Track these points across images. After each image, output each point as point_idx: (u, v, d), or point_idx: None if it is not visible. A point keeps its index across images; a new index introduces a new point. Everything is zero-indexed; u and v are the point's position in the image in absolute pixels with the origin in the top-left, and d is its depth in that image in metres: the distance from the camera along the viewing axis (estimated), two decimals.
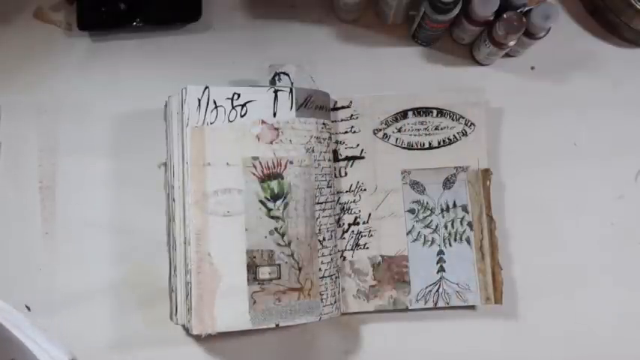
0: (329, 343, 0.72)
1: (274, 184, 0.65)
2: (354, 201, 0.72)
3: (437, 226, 0.71)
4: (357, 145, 0.73)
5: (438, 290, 0.70)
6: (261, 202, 0.64)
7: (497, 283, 0.71)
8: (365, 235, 0.71)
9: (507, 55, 0.76)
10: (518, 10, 0.68)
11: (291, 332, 0.71)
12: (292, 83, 0.72)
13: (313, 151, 0.66)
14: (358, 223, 0.72)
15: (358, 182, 0.72)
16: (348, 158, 0.72)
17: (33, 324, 0.58)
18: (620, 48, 0.78)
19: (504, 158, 0.75)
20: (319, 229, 0.66)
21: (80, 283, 0.71)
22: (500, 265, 0.71)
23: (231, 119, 0.65)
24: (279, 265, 0.64)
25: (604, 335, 0.72)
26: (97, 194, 0.73)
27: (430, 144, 0.73)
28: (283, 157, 0.65)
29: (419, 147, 0.73)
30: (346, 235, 0.71)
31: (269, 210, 0.64)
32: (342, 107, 0.73)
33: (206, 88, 0.64)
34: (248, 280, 0.63)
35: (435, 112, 0.73)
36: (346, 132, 0.73)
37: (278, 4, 0.78)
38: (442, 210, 0.72)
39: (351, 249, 0.71)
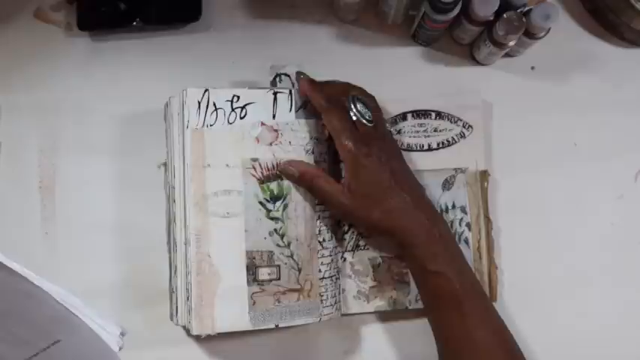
0: (329, 343, 0.72)
1: (274, 185, 0.65)
2: None
3: None
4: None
5: None
6: (260, 203, 0.64)
7: (493, 282, 0.71)
8: (365, 236, 0.71)
9: (507, 55, 0.76)
10: (518, 10, 0.68)
11: (291, 333, 0.72)
12: (293, 84, 0.72)
13: (313, 152, 0.66)
14: None
15: None
16: None
17: (84, 304, 0.60)
18: (620, 48, 0.78)
19: (504, 158, 0.75)
20: (319, 230, 0.66)
21: (80, 283, 0.71)
22: (496, 264, 0.71)
23: (230, 121, 0.64)
24: (278, 266, 0.64)
25: (603, 335, 0.73)
26: (97, 194, 0.73)
27: (429, 146, 0.72)
28: (283, 158, 0.65)
29: (418, 148, 0.73)
30: (346, 236, 0.71)
31: (269, 211, 0.64)
32: None
33: (206, 90, 0.64)
34: (248, 281, 0.63)
35: (433, 114, 0.73)
36: None
37: (278, 4, 0.77)
38: (441, 211, 0.71)
39: (351, 250, 0.71)
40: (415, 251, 0.61)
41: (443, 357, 0.62)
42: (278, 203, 0.65)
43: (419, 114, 0.73)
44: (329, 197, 0.63)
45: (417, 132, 0.73)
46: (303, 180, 0.64)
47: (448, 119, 0.73)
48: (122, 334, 0.68)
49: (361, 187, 0.62)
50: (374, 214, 0.61)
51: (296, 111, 0.66)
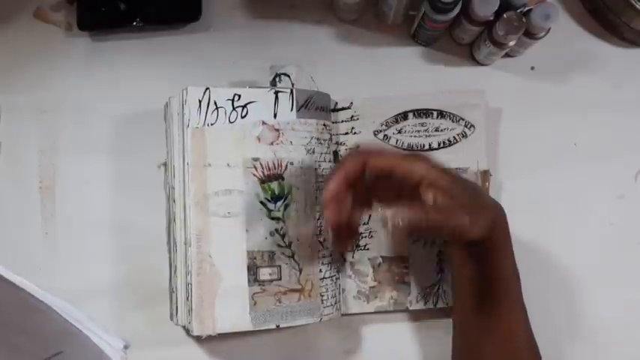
0: (329, 343, 0.72)
1: (275, 185, 0.65)
2: None
3: None
4: (358, 146, 0.73)
5: (437, 291, 0.71)
6: (261, 203, 0.64)
7: None
8: (365, 236, 0.71)
9: (507, 55, 0.76)
10: (518, 10, 0.68)
11: (292, 333, 0.72)
12: (293, 84, 0.72)
13: (314, 152, 0.66)
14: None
15: None
16: None
17: (88, 318, 0.60)
18: (620, 48, 0.78)
19: (504, 159, 0.75)
20: (320, 230, 0.66)
21: (80, 283, 0.71)
22: None
23: (231, 120, 0.64)
24: (279, 266, 0.64)
25: (603, 335, 0.72)
26: (96, 194, 0.73)
27: (430, 145, 0.72)
28: (284, 158, 0.65)
29: (419, 148, 0.72)
30: None
31: (269, 211, 0.64)
32: (343, 108, 0.73)
33: (207, 89, 0.64)
34: (249, 281, 0.63)
35: (435, 113, 0.73)
36: (347, 133, 0.73)
37: (278, 4, 0.77)
38: None
39: (351, 250, 0.71)
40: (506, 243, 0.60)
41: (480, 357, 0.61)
42: (279, 203, 0.65)
43: (420, 113, 0.73)
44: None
45: (418, 132, 0.72)
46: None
47: (450, 118, 0.72)
48: (126, 347, 0.68)
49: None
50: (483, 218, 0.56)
51: (297, 110, 0.66)
